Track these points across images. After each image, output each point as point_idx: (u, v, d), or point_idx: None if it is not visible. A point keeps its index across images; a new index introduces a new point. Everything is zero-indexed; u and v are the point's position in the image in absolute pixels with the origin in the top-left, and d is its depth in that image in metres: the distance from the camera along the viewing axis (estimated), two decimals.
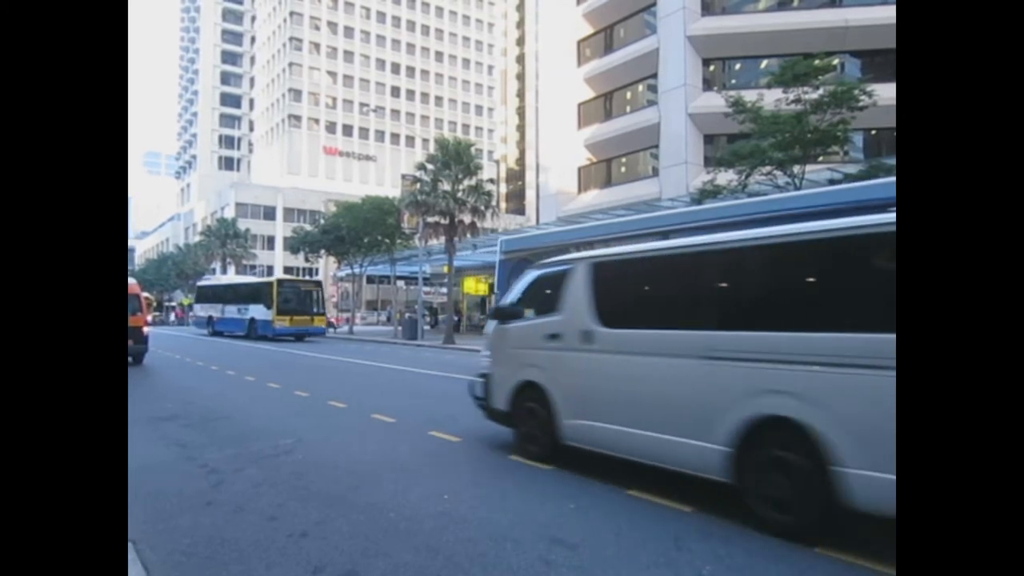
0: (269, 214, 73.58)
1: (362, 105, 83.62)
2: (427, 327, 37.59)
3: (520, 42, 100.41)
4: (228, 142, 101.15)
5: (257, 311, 28.59)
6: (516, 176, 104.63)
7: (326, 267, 52.27)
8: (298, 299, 28.25)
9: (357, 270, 39.78)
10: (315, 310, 28.69)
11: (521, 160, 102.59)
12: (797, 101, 16.39)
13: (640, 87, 32.07)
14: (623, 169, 33.45)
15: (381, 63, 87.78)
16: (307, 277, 34.49)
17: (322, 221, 47.72)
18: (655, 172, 30.36)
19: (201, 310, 34.97)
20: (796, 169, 17.00)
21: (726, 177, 18.17)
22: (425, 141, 77.50)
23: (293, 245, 47.66)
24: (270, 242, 72.78)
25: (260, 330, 27.97)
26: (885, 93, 15.91)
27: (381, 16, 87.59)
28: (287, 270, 62.11)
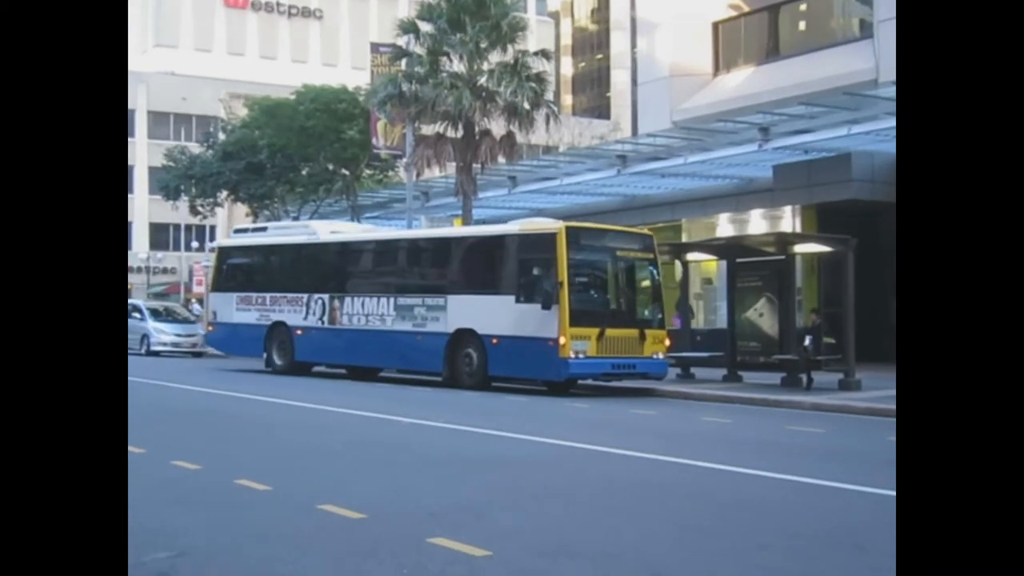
0: None
1: None
2: None
3: None
4: None
5: (483, 317, 15.33)
6: (590, 44, 73.73)
7: (228, 222, 40.61)
8: (607, 283, 16.31)
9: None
10: (647, 314, 16.11)
11: (601, 14, 75.06)
12: None
13: None
14: (801, 26, 26.78)
15: None
16: (609, 225, 19.14)
17: (222, 136, 37.44)
18: (864, 30, 23.99)
19: (240, 306, 19.56)
20: None
21: None
22: None
23: (167, 181, 36.81)
24: None
25: (519, 366, 15.29)
26: None
27: None
28: (156, 229, 50.08)
